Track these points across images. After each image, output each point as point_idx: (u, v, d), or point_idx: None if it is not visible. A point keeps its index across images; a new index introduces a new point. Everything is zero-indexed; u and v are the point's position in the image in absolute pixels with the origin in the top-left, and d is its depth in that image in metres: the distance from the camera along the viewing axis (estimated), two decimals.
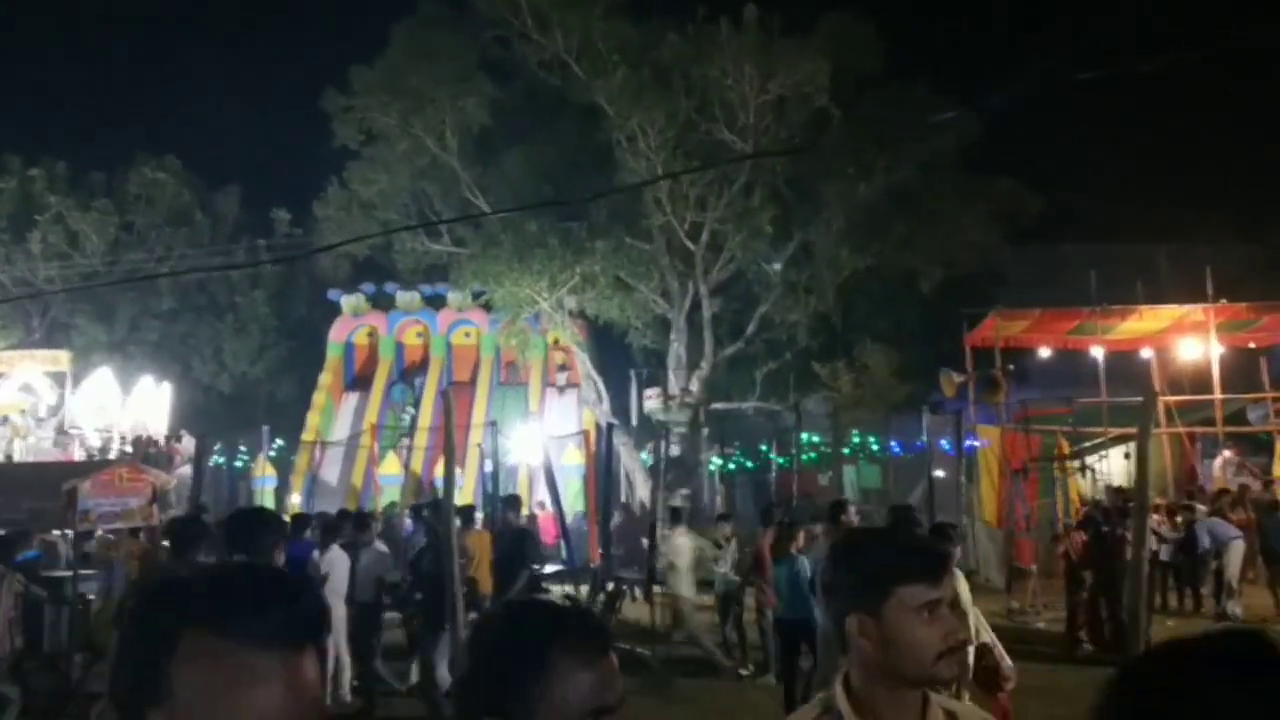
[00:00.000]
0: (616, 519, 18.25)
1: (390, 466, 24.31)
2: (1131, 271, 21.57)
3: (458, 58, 22.47)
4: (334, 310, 29.80)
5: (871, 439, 25.54)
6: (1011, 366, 20.42)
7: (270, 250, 32.13)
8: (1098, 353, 20.16)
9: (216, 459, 23.35)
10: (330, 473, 25.55)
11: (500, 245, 21.61)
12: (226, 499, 23.81)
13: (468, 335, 28.99)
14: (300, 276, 31.81)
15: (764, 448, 26.00)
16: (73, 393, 22.87)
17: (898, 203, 21.44)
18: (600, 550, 15.84)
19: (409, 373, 29.22)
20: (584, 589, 14.58)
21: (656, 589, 12.06)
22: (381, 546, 10.70)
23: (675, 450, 21.78)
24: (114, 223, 30.84)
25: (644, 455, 23.12)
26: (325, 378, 28.34)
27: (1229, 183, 28.63)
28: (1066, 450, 18.39)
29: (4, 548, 8.69)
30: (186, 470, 18.19)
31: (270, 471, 22.95)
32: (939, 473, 18.18)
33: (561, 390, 26.90)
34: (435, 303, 29.21)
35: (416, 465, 24.29)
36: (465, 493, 21.55)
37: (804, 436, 23.14)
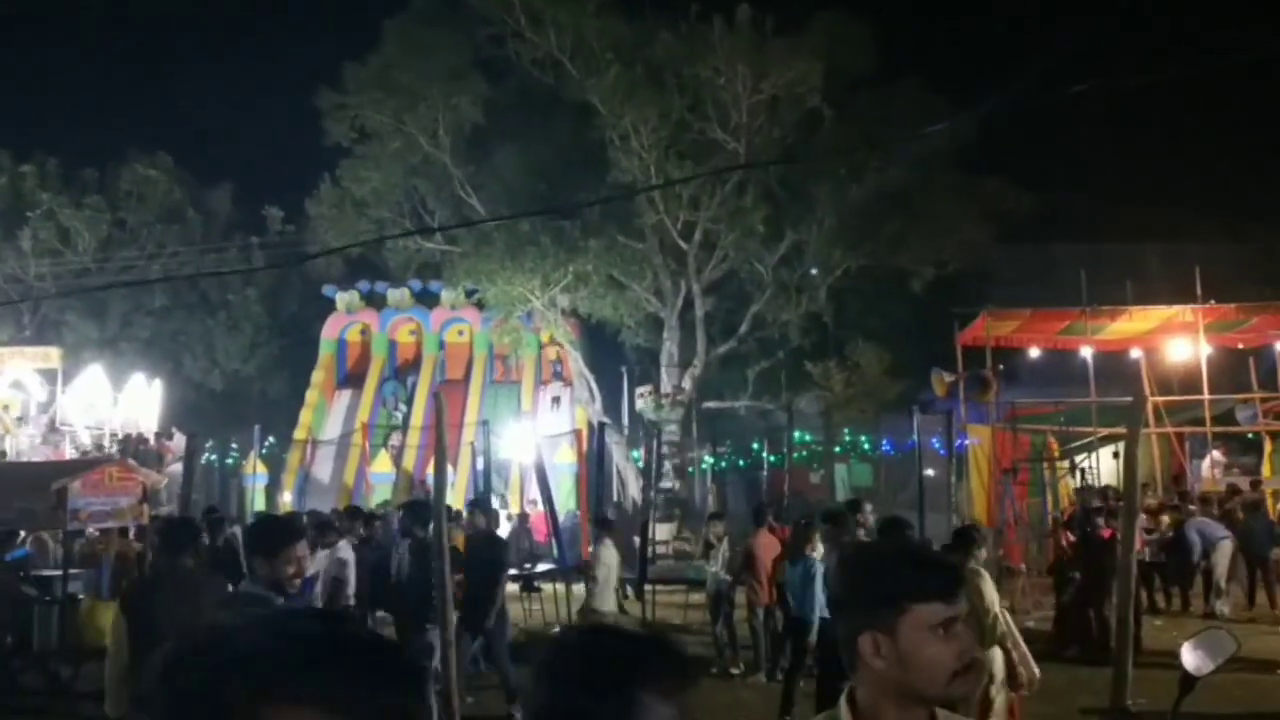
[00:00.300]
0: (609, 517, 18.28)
1: (382, 464, 24.31)
2: (1122, 271, 21.63)
3: (451, 55, 22.48)
4: (326, 307, 29.77)
5: (863, 438, 25.64)
6: (1002, 366, 20.49)
7: (264, 248, 32.09)
8: (1087, 353, 20.23)
9: (208, 457, 23.33)
10: (322, 471, 25.53)
11: (493, 244, 21.63)
12: (218, 497, 23.78)
13: (460, 333, 28.99)
14: (292, 274, 31.76)
15: (756, 446, 26.07)
16: (63, 390, 22.82)
17: (889, 202, 21.52)
18: (590, 548, 15.84)
19: (402, 370, 29.22)
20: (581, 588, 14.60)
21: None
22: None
23: (667, 449, 21.82)
24: (106, 220, 30.76)
25: (635, 454, 23.16)
26: (317, 375, 28.32)
27: (1219, 183, 28.76)
28: (1056, 450, 18.45)
29: None
30: (177, 468, 18.17)
31: (262, 469, 22.91)
32: (929, 471, 18.24)
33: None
34: (428, 300, 29.20)
35: (409, 463, 24.30)
36: (458, 491, 21.58)
37: (796, 435, 23.20)
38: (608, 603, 11.01)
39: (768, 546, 11.44)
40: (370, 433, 24.96)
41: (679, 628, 14.31)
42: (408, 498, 21.47)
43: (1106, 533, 11.62)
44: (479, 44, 22.93)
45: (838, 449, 25.67)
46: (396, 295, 29.21)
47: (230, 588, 5.46)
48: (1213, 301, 19.55)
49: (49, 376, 23.29)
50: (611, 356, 26.57)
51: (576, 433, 22.35)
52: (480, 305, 24.85)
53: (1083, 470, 20.80)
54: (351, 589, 9.17)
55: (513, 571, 15.15)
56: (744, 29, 20.50)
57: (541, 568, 15.20)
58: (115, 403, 23.02)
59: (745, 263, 22.47)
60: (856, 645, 1.84)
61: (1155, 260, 23.78)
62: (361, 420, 25.70)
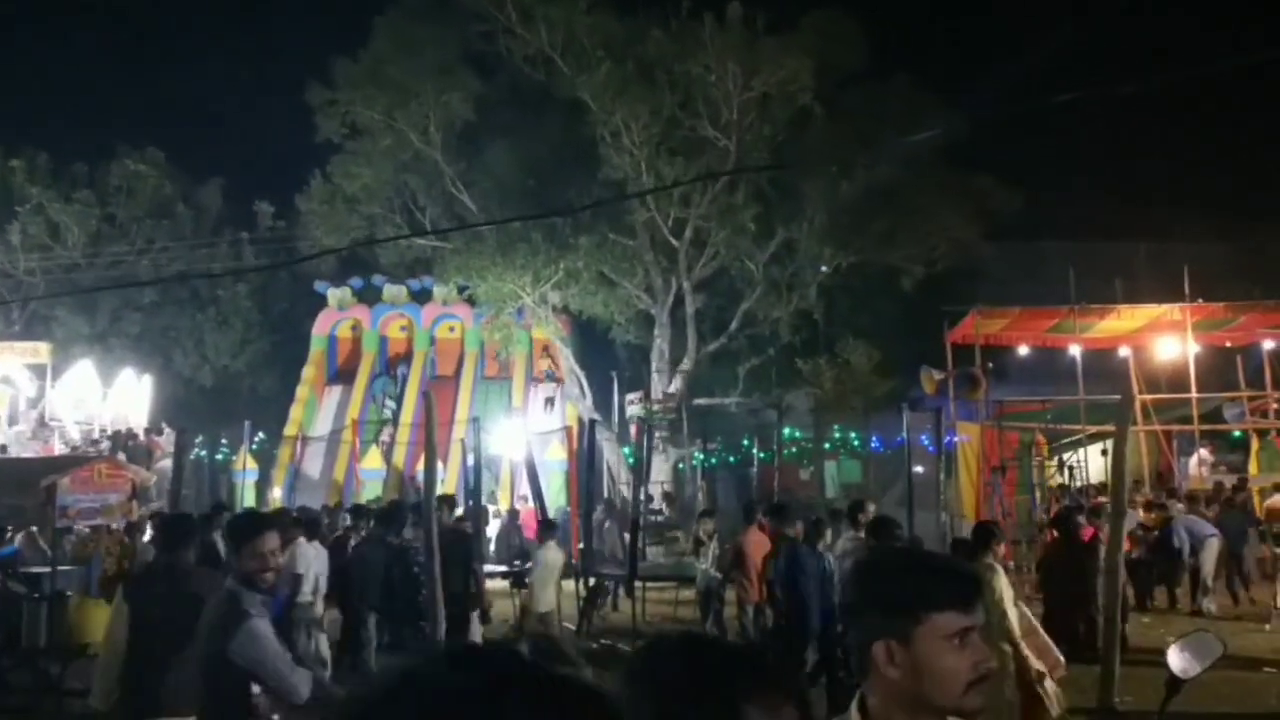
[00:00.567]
0: (599, 514, 18.29)
1: (373, 461, 24.29)
2: (1110, 269, 21.74)
3: (442, 51, 22.44)
4: (317, 303, 29.72)
5: (852, 435, 25.69)
6: (991, 364, 20.55)
7: (254, 243, 32.04)
8: (1076, 351, 20.31)
9: (198, 452, 23.27)
10: (312, 467, 25.50)
11: (484, 240, 21.62)
12: (208, 493, 23.73)
13: (452, 329, 28.97)
14: (284, 271, 31.72)
15: (746, 443, 26.11)
16: (53, 385, 22.75)
17: (880, 200, 21.55)
18: (580, 545, 15.87)
19: (393, 364, 29.18)
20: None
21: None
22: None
23: (657, 446, 21.84)
24: (95, 215, 30.67)
25: (626, 450, 23.17)
26: (308, 371, 28.27)
27: (1208, 182, 28.86)
28: (1044, 447, 18.53)
29: None
30: (167, 464, 18.13)
31: (252, 465, 22.89)
32: (918, 469, 18.29)
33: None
34: (420, 297, 29.17)
35: (399, 460, 24.28)
36: (448, 488, 21.58)
37: (786, 432, 23.23)
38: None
39: (758, 544, 11.47)
40: (361, 429, 24.92)
41: (669, 625, 14.35)
42: (398, 494, 21.52)
43: (1087, 532, 11.68)
44: (470, 40, 22.89)
45: (827, 446, 25.71)
46: (388, 291, 29.18)
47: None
48: (1201, 300, 19.64)
49: (38, 372, 23.23)
50: (602, 353, 26.59)
51: (567, 429, 22.35)
52: (472, 301, 24.81)
53: (1071, 468, 20.90)
54: (309, 586, 9.08)
55: (502, 568, 15.23)
56: (735, 26, 20.51)
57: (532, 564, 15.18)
58: (105, 398, 22.97)
59: (736, 260, 22.48)
60: (870, 653, 1.81)
61: (1144, 259, 23.88)
62: (352, 417, 25.67)
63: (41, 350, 24.09)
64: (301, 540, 9.18)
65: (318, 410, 27.73)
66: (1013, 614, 6.57)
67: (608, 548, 15.67)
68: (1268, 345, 20.31)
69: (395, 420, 26.26)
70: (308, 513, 13.14)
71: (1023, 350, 22.12)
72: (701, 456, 24.30)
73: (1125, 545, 13.87)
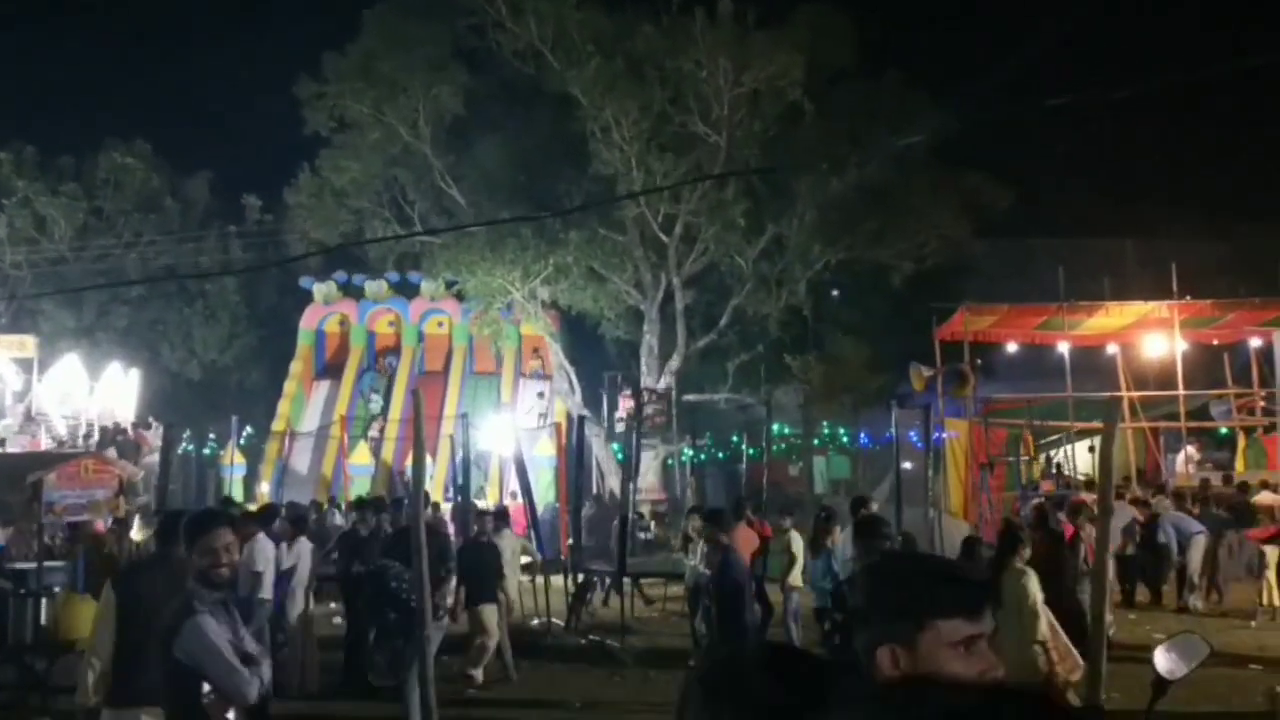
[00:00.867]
0: (588, 510, 18.29)
1: (361, 456, 24.24)
2: (1099, 266, 21.80)
3: (431, 45, 22.36)
4: (304, 298, 29.63)
5: (841, 431, 25.75)
6: (979, 361, 20.61)
7: (241, 237, 31.92)
8: (1064, 348, 20.37)
9: (185, 447, 23.21)
10: (300, 462, 25.42)
11: (472, 235, 21.55)
12: (195, 488, 23.66)
13: (440, 325, 28.90)
14: (271, 261, 31.62)
15: (735, 439, 26.15)
16: (39, 379, 22.62)
17: (869, 197, 21.56)
18: (569, 541, 15.87)
19: (380, 358, 29.09)
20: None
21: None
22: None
23: (647, 442, 21.84)
24: (82, 207, 30.52)
25: (615, 446, 23.18)
26: (296, 366, 28.19)
27: (1196, 180, 28.97)
28: (1031, 444, 18.59)
29: None
30: (155, 459, 18.07)
31: (239, 460, 22.82)
32: (907, 465, 18.33)
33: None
34: (407, 291, 29.09)
35: (388, 455, 24.23)
36: (437, 483, 21.55)
37: (775, 427, 23.27)
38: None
39: (746, 540, 11.48)
40: (349, 425, 24.86)
41: (657, 620, 14.37)
42: (386, 490, 21.47)
43: (1068, 530, 11.75)
44: (460, 34, 22.80)
45: (816, 442, 25.77)
46: (375, 286, 29.09)
47: None
48: (1188, 298, 19.71)
49: (24, 366, 23.09)
50: (592, 349, 26.57)
51: (556, 425, 22.33)
52: (460, 297, 24.75)
53: (1058, 465, 20.98)
54: (267, 581, 9.05)
55: None
56: (725, 22, 20.48)
57: (522, 560, 15.17)
58: (91, 392, 22.85)
59: (726, 256, 22.49)
60: (875, 657, 1.78)
61: (1132, 256, 23.97)
62: (340, 412, 25.60)
63: (28, 344, 23.95)
64: (260, 536, 9.14)
65: (305, 405, 27.65)
66: (1044, 617, 6.62)
67: (595, 543, 15.69)
68: (1254, 343, 20.40)
69: (384, 416, 26.22)
70: (296, 508, 13.12)
71: (1011, 347, 22.18)
72: (691, 453, 24.31)
73: (1119, 543, 13.98)
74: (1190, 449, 20.07)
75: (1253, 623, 12.89)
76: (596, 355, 26.44)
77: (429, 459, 20.53)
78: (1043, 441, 23.06)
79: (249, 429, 23.93)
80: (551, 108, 22.59)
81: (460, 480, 17.09)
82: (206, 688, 3.74)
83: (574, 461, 17.12)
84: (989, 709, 1.32)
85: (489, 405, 25.56)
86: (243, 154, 40.13)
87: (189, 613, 3.79)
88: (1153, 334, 20.45)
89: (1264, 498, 15.19)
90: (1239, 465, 19.40)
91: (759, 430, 22.41)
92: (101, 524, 11.12)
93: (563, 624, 13.76)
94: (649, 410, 22.11)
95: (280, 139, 29.96)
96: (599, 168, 21.40)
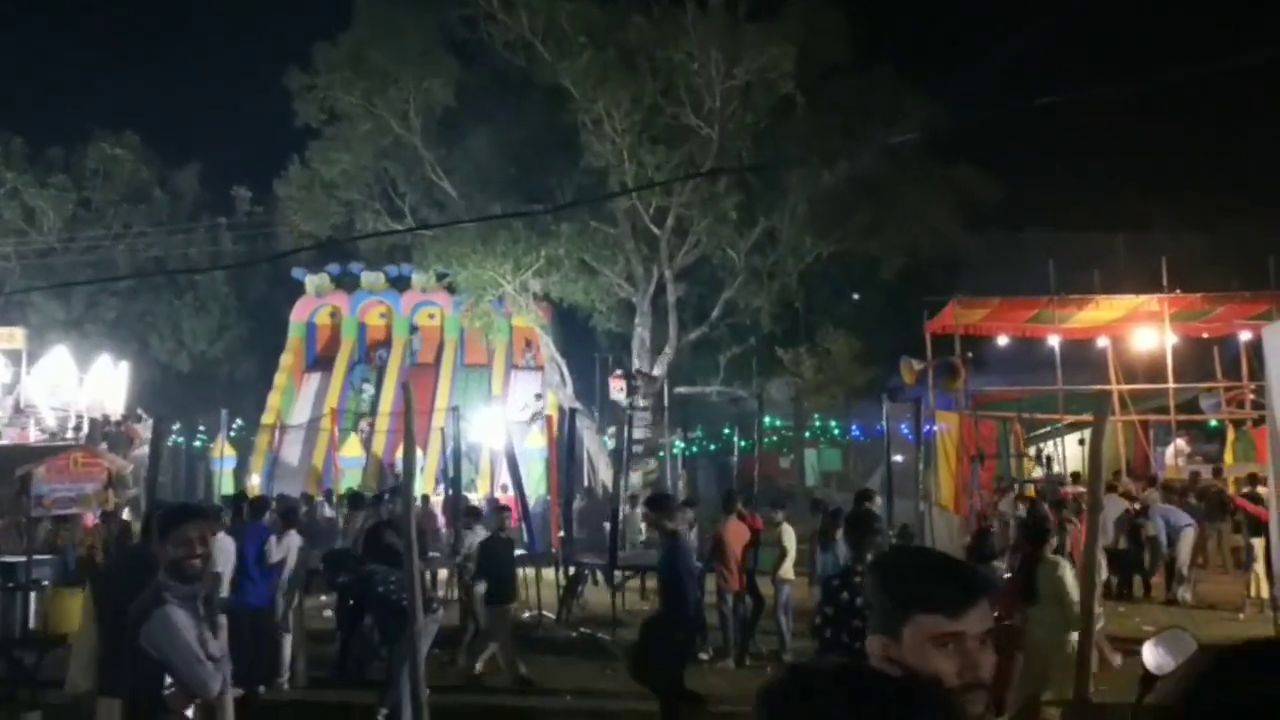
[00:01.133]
0: (579, 503, 18.30)
1: (352, 449, 24.19)
2: (1090, 258, 21.83)
3: (422, 37, 22.25)
4: (295, 290, 29.55)
5: (833, 424, 25.77)
6: (970, 354, 20.64)
7: (231, 229, 31.82)
8: (1055, 341, 20.43)
9: (175, 439, 23.12)
10: (290, 454, 25.39)
11: (464, 227, 21.48)
12: (185, 481, 23.60)
13: (431, 317, 28.86)
14: (261, 256, 31.54)
15: (727, 431, 26.16)
16: (28, 372, 22.52)
17: (861, 189, 21.56)
18: (560, 534, 15.88)
19: (372, 349, 29.04)
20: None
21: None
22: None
23: (639, 434, 21.83)
24: (71, 199, 30.38)
25: (606, 439, 23.16)
26: (286, 358, 28.12)
27: (1186, 173, 29.04)
28: (1022, 437, 18.63)
29: None
30: (145, 452, 18.00)
31: (230, 453, 22.77)
32: (898, 458, 18.37)
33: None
34: (399, 284, 29.03)
35: (378, 448, 24.19)
36: (428, 476, 21.55)
37: (766, 420, 23.29)
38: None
39: (737, 533, 11.51)
40: (340, 418, 24.81)
41: (648, 613, 14.37)
42: (377, 483, 21.46)
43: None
44: (451, 25, 22.69)
45: (808, 435, 25.79)
46: (367, 278, 29.02)
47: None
48: (1178, 291, 19.77)
49: (13, 358, 22.99)
50: (583, 341, 26.54)
51: (547, 418, 22.30)
52: (451, 289, 24.69)
53: (1048, 458, 21.02)
54: (225, 580, 9.02)
55: None
56: (717, 13, 20.41)
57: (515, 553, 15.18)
58: (81, 384, 22.76)
59: (717, 248, 22.45)
60: (868, 645, 1.85)
61: (1123, 247, 24.01)
62: (331, 405, 25.54)
63: (16, 336, 23.84)
64: (221, 535, 9.09)
65: (296, 397, 27.60)
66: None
67: (586, 535, 15.72)
68: (1244, 336, 20.46)
69: (374, 408, 26.18)
70: (286, 501, 13.12)
71: (1002, 340, 22.22)
72: (682, 445, 24.32)
73: (1112, 537, 14.03)
74: (1180, 442, 20.14)
75: (1241, 615, 12.95)
76: (588, 348, 26.41)
77: (420, 451, 20.52)
78: (1033, 435, 23.13)
79: (239, 421, 23.85)
80: (543, 99, 22.52)
81: (451, 473, 17.09)
82: (169, 680, 3.72)
83: (565, 454, 17.13)
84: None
85: (480, 398, 25.54)
86: (232, 145, 39.96)
87: (158, 603, 3.79)
88: (1143, 327, 20.52)
89: (1258, 491, 15.23)
90: (1228, 458, 19.48)
91: (750, 423, 22.46)
92: (91, 517, 11.10)
93: (554, 617, 13.77)
94: (641, 401, 22.07)
95: (270, 130, 29.84)
96: (590, 160, 21.35)
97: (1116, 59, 34.40)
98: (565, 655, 11.75)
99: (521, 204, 21.67)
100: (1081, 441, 19.92)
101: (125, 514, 12.45)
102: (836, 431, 26.57)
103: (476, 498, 20.02)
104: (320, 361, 28.76)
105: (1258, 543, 13.60)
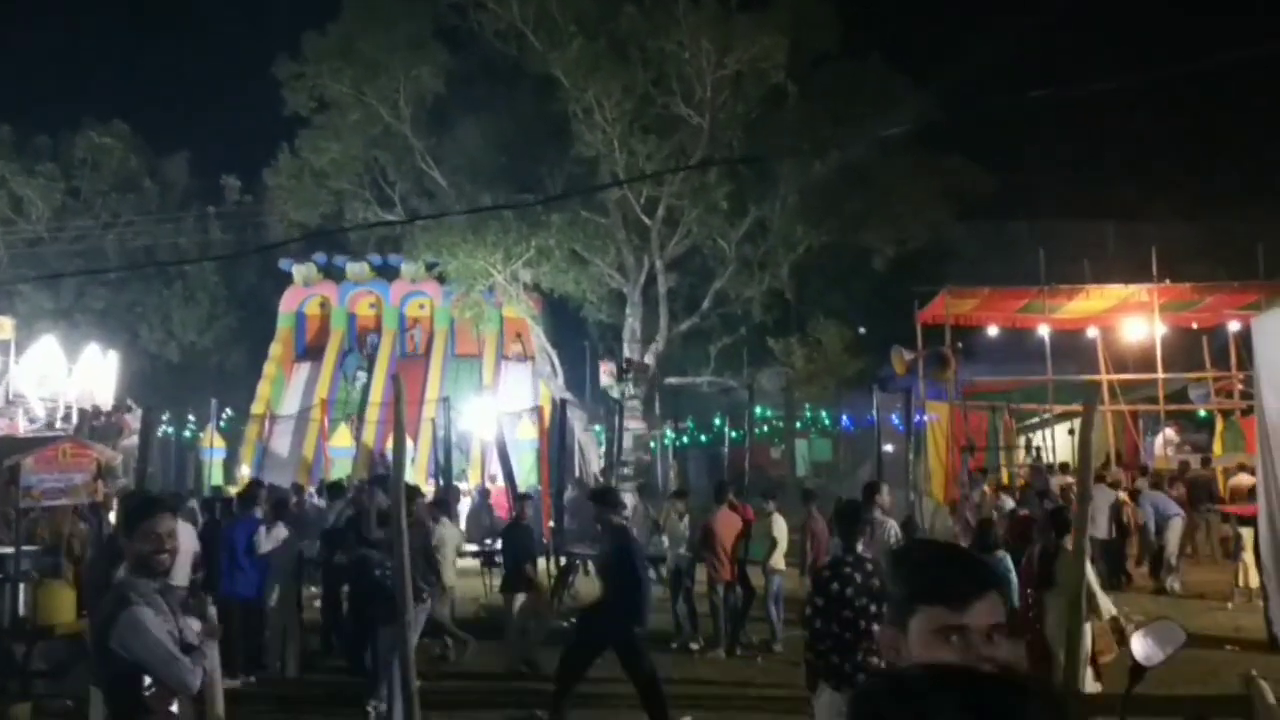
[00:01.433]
0: (570, 493, 18.29)
1: (342, 439, 24.15)
2: (1080, 249, 21.90)
3: (412, 25, 22.15)
4: (284, 280, 29.45)
5: (823, 413, 25.81)
6: (960, 344, 20.69)
7: (220, 218, 31.70)
8: (1045, 331, 20.48)
9: (165, 429, 23.04)
10: (280, 445, 25.34)
11: (454, 217, 21.42)
12: (174, 471, 23.52)
13: (421, 307, 28.79)
14: (251, 245, 31.43)
15: (718, 422, 26.17)
16: (16, 361, 22.40)
17: (851, 180, 21.56)
18: (551, 524, 15.89)
19: (361, 336, 28.96)
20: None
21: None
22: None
23: (629, 424, 21.83)
24: (59, 188, 30.22)
25: (598, 429, 23.17)
26: (276, 348, 28.04)
27: (1176, 163, 29.08)
28: (1012, 427, 18.67)
29: None
30: (134, 442, 17.93)
31: (219, 443, 22.71)
32: (888, 447, 18.42)
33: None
34: (388, 273, 28.94)
35: (369, 438, 24.15)
36: (419, 466, 21.52)
37: (757, 410, 23.31)
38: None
39: (728, 523, 11.53)
40: (330, 408, 24.76)
41: None
42: (368, 472, 21.41)
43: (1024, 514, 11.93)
44: (441, 14, 22.59)
45: (798, 425, 25.83)
46: (356, 268, 28.93)
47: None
48: (1168, 281, 19.82)
49: (1, 347, 22.86)
50: (574, 332, 26.51)
51: (538, 408, 22.29)
52: (441, 279, 24.63)
53: (1038, 449, 21.09)
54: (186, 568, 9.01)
55: (473, 547, 15.22)
56: (708, 3, 20.37)
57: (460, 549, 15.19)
58: (70, 374, 22.64)
59: (708, 238, 22.45)
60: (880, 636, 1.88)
61: (1113, 238, 24.08)
62: (320, 396, 25.48)
63: (4, 325, 23.69)
64: (180, 523, 9.01)
65: (286, 387, 27.53)
66: (1103, 596, 7.06)
67: (578, 526, 15.72)
68: (1233, 326, 20.52)
69: (364, 399, 26.13)
70: (276, 492, 13.08)
71: (992, 330, 22.26)
72: (673, 435, 24.33)
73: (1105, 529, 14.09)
74: (1169, 432, 20.22)
75: (1229, 604, 13.02)
76: (579, 338, 26.38)
77: (410, 442, 20.49)
78: (1023, 424, 23.20)
79: (229, 412, 23.77)
80: (533, 89, 22.46)
81: (443, 463, 17.08)
82: (148, 680, 3.66)
83: (556, 445, 17.13)
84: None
85: (471, 388, 25.50)
86: (222, 135, 39.76)
87: (123, 604, 3.68)
88: (1132, 317, 20.57)
89: (1242, 480, 15.32)
90: (1217, 448, 19.56)
91: (741, 413, 22.47)
92: (80, 506, 11.05)
93: None
94: (628, 371, 22.04)
95: (259, 119, 29.70)
96: (581, 149, 21.31)
97: (1107, 46, 34.43)
98: (556, 645, 11.74)
99: (512, 193, 21.61)
100: (1071, 431, 19.98)
101: (116, 505, 12.40)
102: (827, 421, 26.61)
103: (467, 487, 20.02)
104: (310, 351, 28.70)
105: (1246, 532, 13.66)
